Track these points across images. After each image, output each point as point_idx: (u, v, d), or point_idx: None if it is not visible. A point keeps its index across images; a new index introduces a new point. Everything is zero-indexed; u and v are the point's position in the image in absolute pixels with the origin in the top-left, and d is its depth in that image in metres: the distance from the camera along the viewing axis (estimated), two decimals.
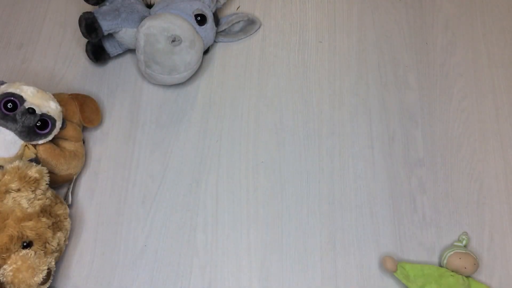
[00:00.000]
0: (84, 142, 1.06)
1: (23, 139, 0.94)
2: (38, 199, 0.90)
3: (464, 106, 1.14)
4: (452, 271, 0.94)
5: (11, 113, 0.92)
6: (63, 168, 0.98)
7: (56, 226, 0.92)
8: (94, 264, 0.98)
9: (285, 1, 1.26)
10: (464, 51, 1.20)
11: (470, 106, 1.14)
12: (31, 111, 0.93)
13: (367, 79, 1.16)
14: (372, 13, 1.25)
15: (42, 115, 0.94)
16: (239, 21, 1.20)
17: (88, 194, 1.04)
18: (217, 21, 1.16)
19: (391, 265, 0.95)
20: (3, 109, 0.92)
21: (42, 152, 0.96)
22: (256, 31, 1.21)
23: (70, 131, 1.01)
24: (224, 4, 1.20)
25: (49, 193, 0.92)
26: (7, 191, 0.87)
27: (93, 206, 1.03)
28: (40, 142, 0.95)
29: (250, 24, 1.21)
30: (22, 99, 0.93)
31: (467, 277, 0.95)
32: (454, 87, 1.16)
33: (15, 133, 0.92)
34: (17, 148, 0.93)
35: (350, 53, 1.20)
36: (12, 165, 0.89)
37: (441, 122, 1.12)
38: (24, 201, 0.88)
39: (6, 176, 0.88)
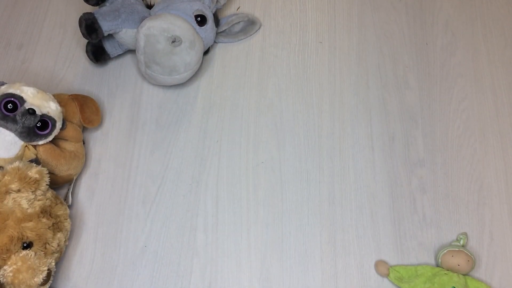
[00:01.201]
0: (84, 143, 1.06)
1: (23, 140, 0.94)
2: (38, 200, 0.90)
3: (464, 106, 1.14)
4: (447, 270, 0.94)
5: (11, 114, 0.92)
6: (63, 169, 0.98)
7: (56, 227, 0.92)
8: (94, 265, 0.98)
9: (285, 2, 1.26)
10: (464, 51, 1.20)
11: (470, 106, 1.14)
12: (31, 111, 0.93)
13: (367, 79, 1.16)
14: (372, 13, 1.25)
15: (42, 115, 0.94)
16: (239, 22, 1.20)
17: (88, 194, 1.04)
18: (217, 22, 1.16)
19: (383, 269, 0.96)
20: (3, 110, 0.92)
21: (42, 153, 0.96)
22: (256, 31, 1.21)
23: (70, 131, 1.01)
24: (224, 4, 1.20)
25: (49, 194, 0.92)
26: (7, 192, 0.87)
27: (93, 206, 1.03)
28: (40, 142, 0.95)
29: (250, 24, 1.21)
30: (22, 100, 0.93)
31: (465, 275, 0.94)
32: (454, 87, 1.16)
33: (15, 133, 0.92)
34: (17, 148, 0.94)
35: (350, 53, 1.20)
36: (12, 166, 0.89)
37: (441, 122, 1.12)
38: (24, 201, 0.88)
39: (6, 177, 0.88)
